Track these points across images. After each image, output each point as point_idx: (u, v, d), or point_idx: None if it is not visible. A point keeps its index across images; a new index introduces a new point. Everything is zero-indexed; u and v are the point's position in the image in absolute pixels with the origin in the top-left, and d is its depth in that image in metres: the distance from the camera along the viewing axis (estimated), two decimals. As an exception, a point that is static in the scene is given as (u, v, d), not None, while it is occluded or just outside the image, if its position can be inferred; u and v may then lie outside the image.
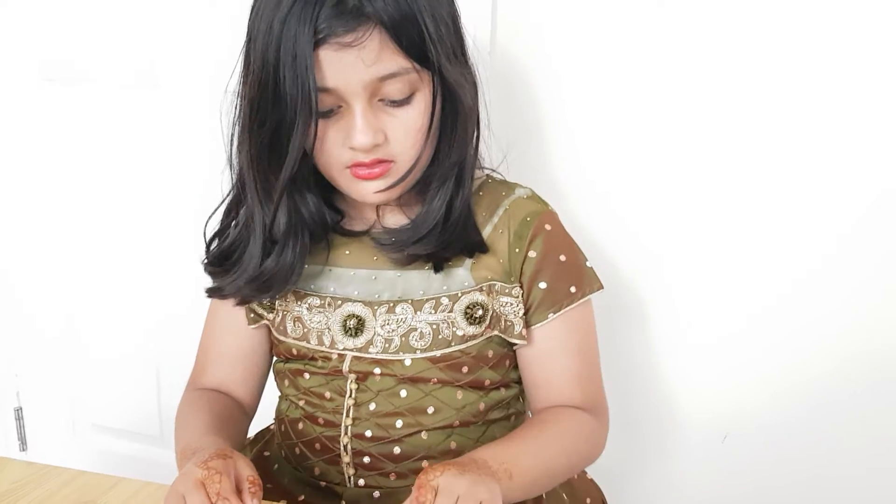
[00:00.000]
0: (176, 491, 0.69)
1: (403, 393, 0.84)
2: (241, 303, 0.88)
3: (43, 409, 1.63)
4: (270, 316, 0.90)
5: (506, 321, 0.84)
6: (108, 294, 1.49)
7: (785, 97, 1.02)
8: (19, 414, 1.64)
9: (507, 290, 0.84)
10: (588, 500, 0.95)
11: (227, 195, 0.87)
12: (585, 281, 0.86)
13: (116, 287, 1.48)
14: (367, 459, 0.85)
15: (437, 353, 0.83)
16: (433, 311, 0.83)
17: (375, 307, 0.84)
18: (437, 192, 0.81)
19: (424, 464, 0.84)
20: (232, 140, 0.81)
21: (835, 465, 1.12)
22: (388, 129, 0.77)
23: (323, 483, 0.87)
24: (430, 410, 0.84)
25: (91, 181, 1.44)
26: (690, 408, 1.17)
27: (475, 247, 0.84)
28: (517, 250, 0.84)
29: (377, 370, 0.84)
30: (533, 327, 0.85)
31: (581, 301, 0.85)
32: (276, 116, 0.75)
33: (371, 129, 0.75)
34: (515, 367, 0.88)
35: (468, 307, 0.83)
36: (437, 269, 0.83)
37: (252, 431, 0.97)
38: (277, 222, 0.81)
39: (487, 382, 0.86)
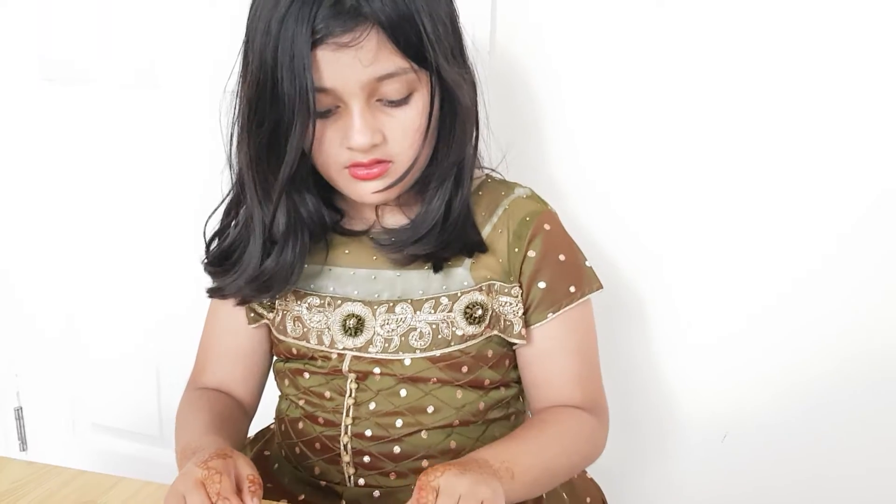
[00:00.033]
0: (176, 491, 0.69)
1: (403, 392, 0.84)
2: (241, 303, 0.88)
3: (43, 408, 1.63)
4: (270, 315, 0.90)
5: (505, 321, 0.84)
6: (108, 294, 1.49)
7: (785, 97, 1.02)
8: (19, 414, 1.64)
9: (506, 290, 0.84)
10: (588, 500, 0.95)
11: (227, 195, 0.87)
12: (585, 281, 0.86)
13: (116, 287, 1.48)
14: (367, 459, 0.85)
15: (437, 352, 0.83)
16: (433, 311, 0.83)
17: (375, 307, 0.84)
18: (437, 191, 0.81)
19: (424, 463, 0.84)
20: (231, 140, 0.81)
21: (835, 465, 1.12)
22: (387, 130, 0.77)
23: (323, 482, 0.87)
24: (430, 410, 0.84)
25: (91, 181, 1.44)
26: (690, 408, 1.17)
27: (474, 246, 0.83)
28: (516, 250, 0.84)
29: (377, 370, 0.84)
30: (532, 327, 0.85)
31: (580, 301, 0.85)
32: (275, 116, 0.74)
33: (369, 129, 0.75)
34: (515, 366, 0.88)
35: (468, 307, 0.83)
36: (437, 268, 0.83)
37: (252, 431, 0.97)
38: (277, 222, 0.81)
39: (487, 382, 0.86)
